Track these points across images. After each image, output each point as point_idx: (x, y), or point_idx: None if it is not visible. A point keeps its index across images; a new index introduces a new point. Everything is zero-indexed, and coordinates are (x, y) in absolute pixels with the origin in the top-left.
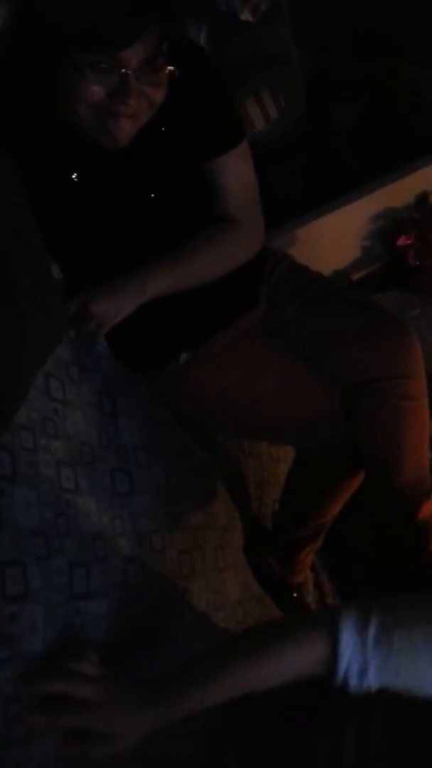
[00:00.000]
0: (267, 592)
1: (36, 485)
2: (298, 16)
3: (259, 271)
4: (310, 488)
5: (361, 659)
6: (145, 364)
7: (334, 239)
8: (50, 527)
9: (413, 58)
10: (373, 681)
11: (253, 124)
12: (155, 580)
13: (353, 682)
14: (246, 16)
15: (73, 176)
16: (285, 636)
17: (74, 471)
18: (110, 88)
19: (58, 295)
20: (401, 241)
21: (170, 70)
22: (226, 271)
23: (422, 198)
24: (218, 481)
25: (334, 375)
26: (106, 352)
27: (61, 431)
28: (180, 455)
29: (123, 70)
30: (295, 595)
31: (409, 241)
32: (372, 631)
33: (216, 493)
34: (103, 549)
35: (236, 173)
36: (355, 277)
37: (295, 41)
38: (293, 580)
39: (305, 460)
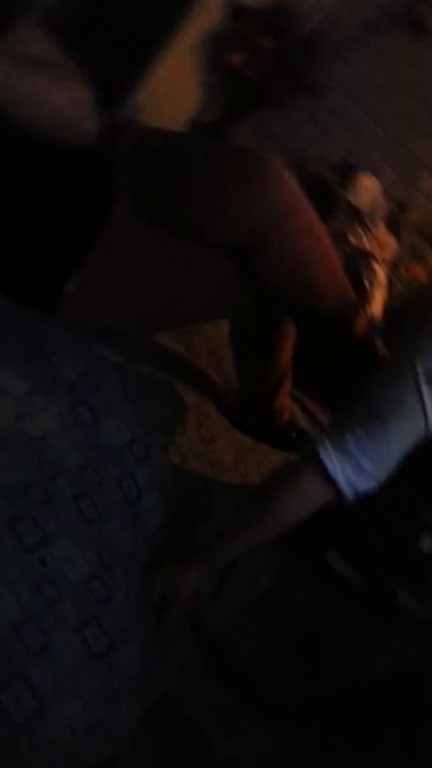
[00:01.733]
0: (262, 442)
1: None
2: None
3: (111, 161)
4: (254, 345)
5: (354, 464)
6: (41, 305)
7: (169, 90)
8: (38, 475)
9: None
10: (373, 474)
11: None
12: (153, 486)
13: (360, 486)
14: None
15: None
16: (282, 488)
17: (34, 418)
18: None
19: None
20: (235, 60)
21: None
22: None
23: (237, 7)
24: (168, 371)
25: (220, 243)
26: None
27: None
28: (119, 365)
29: None
30: (292, 435)
31: (242, 58)
32: (349, 439)
33: (170, 384)
34: (97, 477)
35: None
36: (210, 117)
37: None
38: (280, 423)
39: (237, 322)
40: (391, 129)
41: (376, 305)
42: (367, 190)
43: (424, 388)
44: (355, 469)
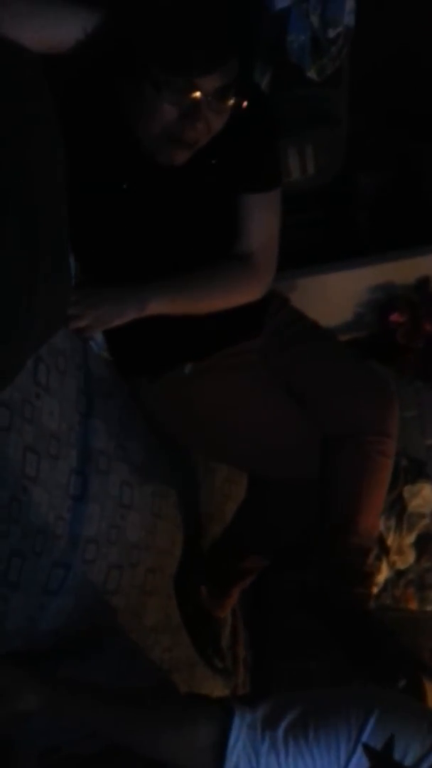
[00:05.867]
0: (186, 625)
1: (1, 465)
2: (353, 81)
3: (265, 307)
4: (261, 526)
5: (252, 756)
6: (142, 368)
7: (331, 297)
8: (3, 509)
9: None
10: None
11: (290, 173)
12: (73, 590)
13: None
14: (312, 74)
15: (124, 185)
16: (180, 715)
17: (38, 460)
18: (182, 110)
19: (69, 284)
20: (394, 318)
21: (237, 102)
22: (229, 307)
23: (423, 282)
24: (171, 505)
25: (322, 421)
26: (97, 350)
27: (36, 417)
28: (140, 470)
29: (198, 95)
30: (214, 630)
31: (400, 320)
32: (266, 736)
33: (164, 516)
34: (41, 545)
35: (264, 216)
36: (342, 338)
37: (347, 106)
38: (218, 614)
39: (260, 497)
40: None
41: None
42: (425, 500)
43: (359, 750)
44: (250, 763)
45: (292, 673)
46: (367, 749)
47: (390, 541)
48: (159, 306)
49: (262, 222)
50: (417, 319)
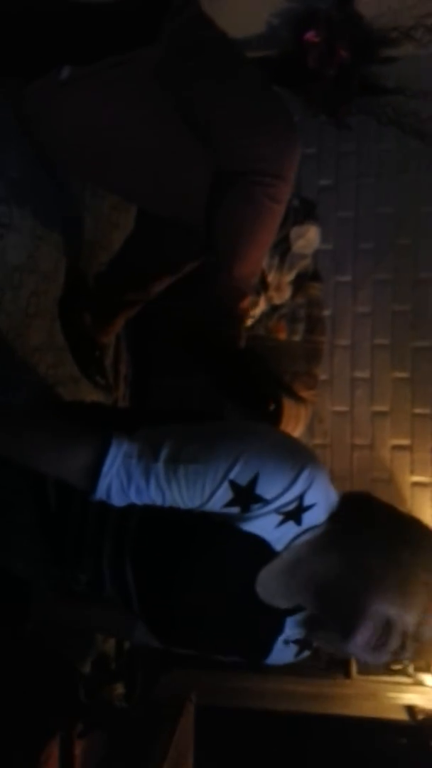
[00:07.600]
0: (70, 347)
1: None
2: None
3: (166, 4)
4: (146, 262)
5: (125, 483)
6: (14, 67)
7: (243, 2)
8: None
9: None
10: (129, 499)
11: None
12: None
13: (113, 499)
14: None
15: None
16: (61, 438)
17: None
18: None
19: None
20: (309, 36)
21: None
22: None
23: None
24: (54, 230)
25: (214, 153)
26: None
27: None
28: (18, 187)
29: None
30: (97, 353)
31: (316, 40)
32: (140, 466)
33: (47, 239)
34: None
35: None
36: (251, 55)
37: None
38: (100, 339)
39: (147, 233)
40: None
41: None
42: (308, 241)
43: (225, 485)
44: (122, 486)
45: (168, 390)
46: (232, 483)
47: (270, 278)
48: None
49: None
50: (333, 42)
